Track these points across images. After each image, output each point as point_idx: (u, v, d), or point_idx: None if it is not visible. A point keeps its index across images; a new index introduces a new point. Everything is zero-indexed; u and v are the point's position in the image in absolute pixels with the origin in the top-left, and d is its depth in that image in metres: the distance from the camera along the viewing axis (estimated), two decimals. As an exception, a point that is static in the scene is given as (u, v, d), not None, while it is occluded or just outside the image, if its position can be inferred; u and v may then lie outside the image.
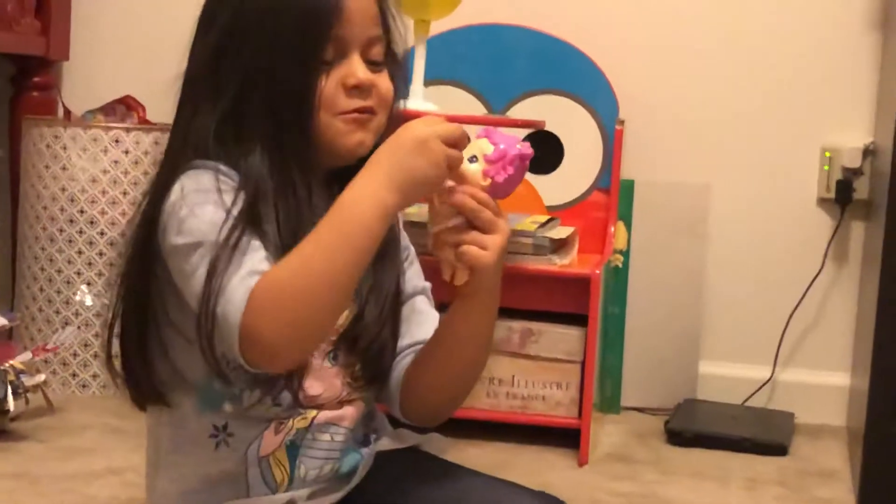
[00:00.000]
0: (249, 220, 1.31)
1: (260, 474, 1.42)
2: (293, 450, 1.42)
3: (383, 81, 1.41)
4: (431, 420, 1.51)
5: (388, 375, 1.48)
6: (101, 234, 2.59)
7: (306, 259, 1.26)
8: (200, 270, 1.27)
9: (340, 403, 1.45)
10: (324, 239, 1.27)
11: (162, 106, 2.64)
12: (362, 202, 1.27)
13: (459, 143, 1.31)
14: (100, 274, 2.59)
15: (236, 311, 1.23)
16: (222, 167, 1.34)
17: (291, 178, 1.37)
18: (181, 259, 1.29)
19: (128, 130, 2.59)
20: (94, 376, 2.61)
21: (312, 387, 1.40)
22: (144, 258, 1.36)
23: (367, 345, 1.43)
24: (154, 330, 1.38)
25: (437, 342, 1.45)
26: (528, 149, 1.31)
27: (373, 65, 1.40)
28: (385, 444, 1.51)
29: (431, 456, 1.52)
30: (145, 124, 2.67)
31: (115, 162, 2.58)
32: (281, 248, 1.31)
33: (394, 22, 1.45)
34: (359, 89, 1.38)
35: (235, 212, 1.30)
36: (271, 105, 1.37)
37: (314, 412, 1.42)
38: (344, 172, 1.37)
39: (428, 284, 1.52)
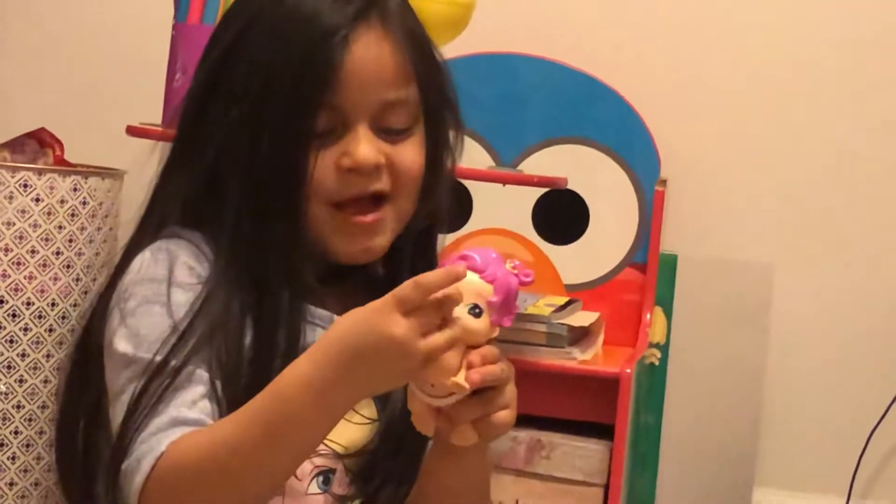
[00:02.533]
0: (197, 346, 1.28)
1: None
2: None
3: (405, 154, 1.34)
4: None
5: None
6: (1, 302, 2.38)
7: (223, 449, 1.20)
8: (125, 396, 1.26)
9: None
10: (249, 429, 1.20)
11: (85, 142, 2.81)
12: (302, 397, 1.19)
13: (451, 305, 1.18)
14: (3, 356, 2.39)
15: (139, 477, 1.21)
16: (202, 243, 1.33)
17: (268, 284, 1.32)
18: (112, 368, 1.30)
19: (40, 172, 2.39)
20: (11, 484, 2.41)
21: None
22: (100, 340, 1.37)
23: (376, 480, 1.38)
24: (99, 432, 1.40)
25: (426, 497, 1.41)
26: (524, 270, 1.23)
27: (392, 134, 1.34)
28: None
29: None
30: (63, 165, 2.50)
31: (22, 212, 2.37)
32: (237, 377, 1.29)
33: (424, 59, 1.38)
34: (356, 170, 1.31)
35: (183, 327, 1.27)
36: (251, 184, 1.32)
37: None
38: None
39: None
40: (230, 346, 1.30)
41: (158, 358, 1.25)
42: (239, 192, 1.32)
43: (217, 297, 1.31)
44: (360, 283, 1.38)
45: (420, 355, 1.14)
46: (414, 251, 1.41)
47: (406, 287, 1.15)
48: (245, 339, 1.31)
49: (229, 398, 1.28)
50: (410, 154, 1.36)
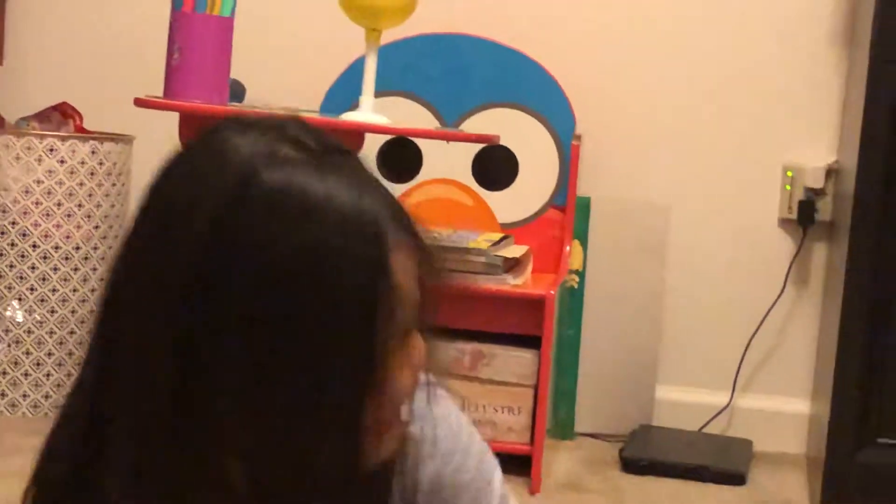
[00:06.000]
0: None
1: None
2: None
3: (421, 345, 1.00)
4: None
5: None
6: (34, 246, 2.55)
7: None
8: None
9: None
10: None
11: (100, 113, 2.68)
12: None
13: None
14: (31, 289, 2.56)
15: None
16: None
17: None
18: None
19: (63, 139, 2.55)
20: (24, 396, 2.58)
21: None
22: None
23: None
24: None
25: None
26: None
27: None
28: None
29: None
30: (82, 132, 2.64)
31: (50, 171, 2.54)
32: None
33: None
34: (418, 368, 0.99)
35: None
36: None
37: None
38: None
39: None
40: None
41: None
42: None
43: None
44: None
45: None
46: None
47: None
48: None
49: None
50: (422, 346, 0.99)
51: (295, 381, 0.90)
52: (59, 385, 2.59)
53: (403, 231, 0.94)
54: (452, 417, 1.08)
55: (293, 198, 0.90)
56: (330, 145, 0.94)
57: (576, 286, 2.72)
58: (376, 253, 0.91)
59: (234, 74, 2.29)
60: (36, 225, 2.55)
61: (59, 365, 2.59)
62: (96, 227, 2.59)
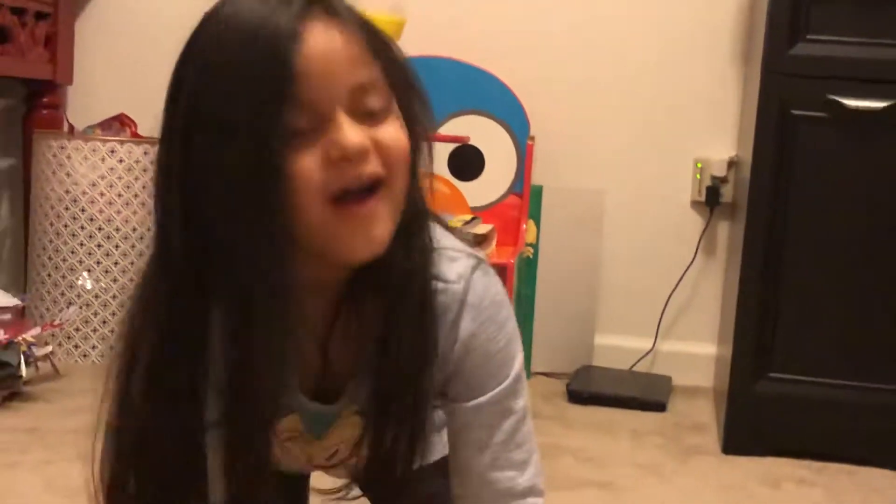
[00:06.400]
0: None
1: None
2: None
3: (388, 134, 0.91)
4: None
5: (394, 482, 1.04)
6: (100, 229, 2.56)
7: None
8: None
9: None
10: None
11: (150, 122, 2.59)
12: None
13: None
14: (98, 262, 2.56)
15: None
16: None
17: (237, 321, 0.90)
18: None
19: (121, 143, 2.56)
20: (93, 347, 2.58)
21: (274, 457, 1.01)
22: None
23: (372, 452, 1.01)
24: None
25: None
26: None
27: (370, 117, 0.91)
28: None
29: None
30: (136, 138, 2.64)
31: (111, 169, 2.55)
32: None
33: (380, 45, 0.93)
34: (347, 158, 0.88)
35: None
36: (227, 208, 0.87)
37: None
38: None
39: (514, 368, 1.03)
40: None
41: None
42: (219, 218, 0.88)
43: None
44: (369, 287, 0.96)
45: None
46: (406, 244, 0.95)
47: None
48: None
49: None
50: (393, 132, 0.92)
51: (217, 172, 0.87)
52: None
53: (324, 22, 0.89)
54: (497, 292, 1.01)
55: (219, 19, 0.90)
56: None
57: (531, 256, 2.71)
58: (269, 47, 0.86)
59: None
60: (101, 211, 2.55)
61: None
62: (149, 213, 2.38)
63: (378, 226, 0.91)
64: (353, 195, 0.89)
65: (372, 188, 0.90)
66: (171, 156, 0.90)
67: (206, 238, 0.89)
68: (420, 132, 0.97)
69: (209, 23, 0.91)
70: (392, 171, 0.91)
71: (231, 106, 0.86)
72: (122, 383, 0.97)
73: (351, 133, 0.88)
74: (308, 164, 0.87)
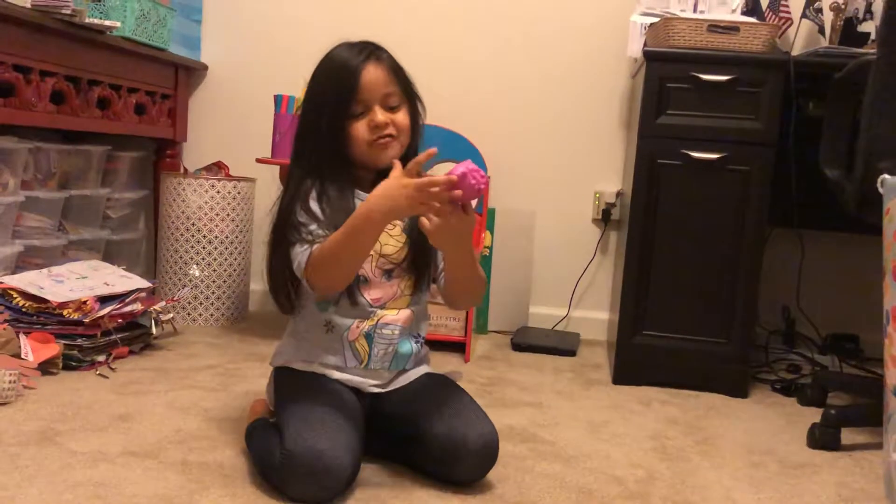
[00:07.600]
0: (315, 217, 1.26)
1: (351, 350, 1.32)
2: (369, 338, 1.32)
3: (399, 117, 1.28)
4: (468, 306, 1.45)
5: (428, 285, 1.36)
6: (204, 236, 2.50)
7: (331, 246, 1.21)
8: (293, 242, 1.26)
9: (397, 311, 1.33)
10: (340, 238, 1.20)
11: (238, 166, 2.68)
12: (361, 221, 1.18)
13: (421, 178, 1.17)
14: (203, 259, 2.49)
15: (303, 266, 1.25)
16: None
17: (330, 185, 1.25)
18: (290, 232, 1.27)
19: (218, 180, 2.50)
20: (200, 314, 2.51)
21: (374, 294, 1.31)
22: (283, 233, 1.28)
23: (412, 266, 1.31)
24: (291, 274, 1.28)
25: (448, 284, 1.33)
26: (480, 173, 1.16)
27: (391, 109, 1.28)
28: (427, 369, 1.40)
29: (450, 381, 1.39)
30: (228, 177, 2.58)
31: (212, 197, 2.49)
32: (332, 224, 1.23)
33: (402, 77, 1.29)
34: (378, 127, 1.25)
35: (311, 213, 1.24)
36: (323, 143, 1.24)
37: (380, 314, 1.31)
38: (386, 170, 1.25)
39: None
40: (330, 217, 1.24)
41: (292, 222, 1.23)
42: (319, 147, 1.25)
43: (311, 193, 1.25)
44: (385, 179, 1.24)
45: (412, 187, 1.14)
46: (405, 161, 1.24)
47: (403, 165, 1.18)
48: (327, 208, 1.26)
49: (331, 230, 1.24)
50: (402, 117, 1.28)
51: (317, 113, 1.25)
52: (222, 313, 2.50)
53: (374, 64, 1.26)
54: None
55: (327, 57, 1.28)
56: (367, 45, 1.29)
57: (487, 254, 2.64)
58: (347, 73, 1.24)
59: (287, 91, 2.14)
60: (205, 225, 2.49)
61: (224, 303, 2.50)
62: (237, 227, 2.51)
63: (390, 152, 1.27)
64: (380, 140, 1.26)
65: (390, 138, 1.27)
66: (304, 114, 1.28)
67: (316, 149, 1.25)
68: (416, 117, 1.31)
69: (325, 58, 1.29)
70: (399, 133, 1.28)
71: (327, 97, 1.25)
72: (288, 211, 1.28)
73: (380, 115, 1.26)
74: (361, 128, 1.25)
